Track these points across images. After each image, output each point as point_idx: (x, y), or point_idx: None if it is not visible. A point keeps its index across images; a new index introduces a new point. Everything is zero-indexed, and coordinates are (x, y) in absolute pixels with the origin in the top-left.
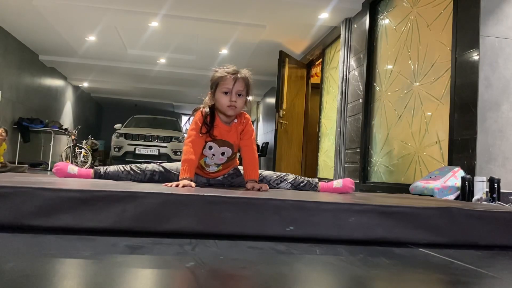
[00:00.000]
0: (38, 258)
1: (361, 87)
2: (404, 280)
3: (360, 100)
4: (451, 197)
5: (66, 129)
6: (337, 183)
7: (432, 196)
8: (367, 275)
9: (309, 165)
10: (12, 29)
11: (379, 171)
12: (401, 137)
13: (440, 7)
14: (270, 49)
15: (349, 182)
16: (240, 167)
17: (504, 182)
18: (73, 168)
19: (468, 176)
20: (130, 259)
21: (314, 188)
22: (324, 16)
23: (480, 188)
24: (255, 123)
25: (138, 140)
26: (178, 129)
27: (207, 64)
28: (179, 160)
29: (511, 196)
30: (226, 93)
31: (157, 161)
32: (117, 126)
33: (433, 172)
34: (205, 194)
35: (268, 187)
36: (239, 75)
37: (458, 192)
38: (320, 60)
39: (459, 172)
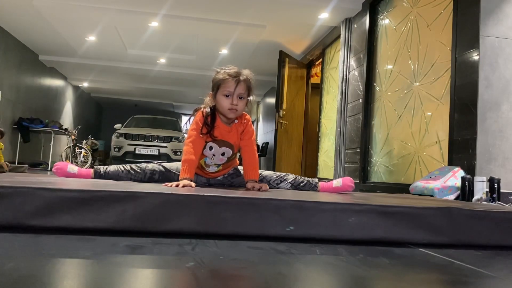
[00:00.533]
0: (38, 258)
1: (361, 87)
2: (404, 280)
3: (360, 100)
4: (451, 197)
5: (66, 129)
6: (337, 182)
7: (432, 196)
8: (367, 275)
9: (309, 165)
10: (12, 29)
11: (379, 171)
12: (401, 137)
13: (440, 7)
14: (270, 49)
15: (349, 180)
16: (240, 167)
17: (504, 182)
18: (73, 168)
19: (468, 176)
20: (130, 259)
21: (314, 188)
22: (324, 16)
23: (480, 188)
24: (255, 123)
25: (138, 140)
26: (178, 129)
27: (207, 64)
28: (179, 160)
29: (511, 196)
30: (227, 95)
31: (157, 161)
32: (117, 126)
33: (433, 172)
34: (205, 194)
35: (268, 187)
36: (241, 78)
37: (458, 192)
38: (320, 60)
39: (459, 172)
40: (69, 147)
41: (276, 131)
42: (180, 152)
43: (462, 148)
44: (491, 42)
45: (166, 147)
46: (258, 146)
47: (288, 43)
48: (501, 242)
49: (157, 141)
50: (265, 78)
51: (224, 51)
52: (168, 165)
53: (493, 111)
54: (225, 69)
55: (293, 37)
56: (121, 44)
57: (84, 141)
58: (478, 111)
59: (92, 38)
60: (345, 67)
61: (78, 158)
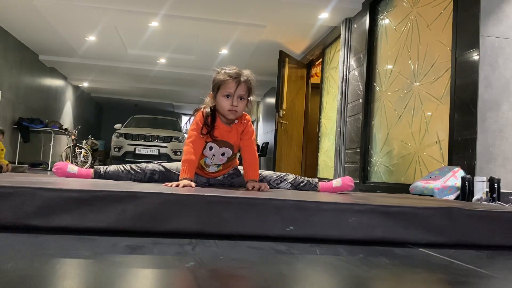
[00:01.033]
0: (38, 258)
1: (361, 87)
2: (404, 280)
3: (360, 100)
4: (451, 197)
5: (66, 129)
6: (337, 182)
7: (432, 196)
8: (367, 275)
9: (309, 165)
10: (12, 29)
11: (379, 171)
12: (401, 137)
13: (440, 7)
14: (270, 49)
15: (348, 180)
16: (240, 167)
17: (504, 182)
18: (73, 168)
19: (468, 176)
20: (130, 259)
21: (314, 188)
22: (324, 16)
23: (480, 188)
24: (255, 123)
25: (138, 140)
26: (178, 129)
27: (207, 64)
28: (179, 160)
29: (511, 196)
30: (227, 96)
31: (157, 161)
32: (117, 126)
33: (433, 172)
34: (205, 194)
35: (269, 187)
36: (241, 79)
37: (458, 192)
38: (320, 60)
39: (459, 172)
40: (69, 147)
41: (276, 131)
42: (180, 152)
43: (462, 148)
44: (491, 42)
45: (166, 147)
46: (258, 146)
47: (288, 43)
48: (501, 242)
49: (157, 141)
50: (265, 78)
51: (224, 51)
52: (168, 165)
53: (493, 111)
54: (225, 69)
55: (293, 37)
56: (121, 44)
57: (84, 141)
58: (478, 111)
59: (92, 38)
60: (345, 67)
61: (78, 158)
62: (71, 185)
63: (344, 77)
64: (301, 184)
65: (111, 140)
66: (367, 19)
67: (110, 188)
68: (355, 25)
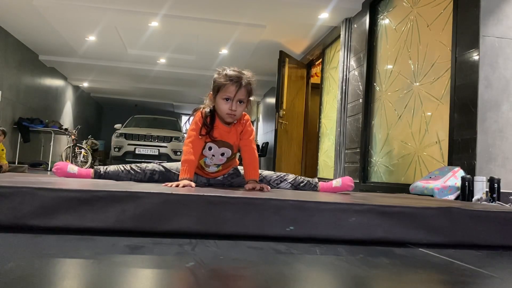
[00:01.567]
0: (38, 258)
1: (361, 87)
2: (404, 280)
3: (360, 100)
4: (451, 197)
5: (66, 129)
6: (336, 182)
7: (432, 196)
8: (367, 275)
9: (309, 165)
10: (12, 29)
11: (379, 171)
12: (401, 137)
13: (440, 7)
14: (270, 49)
15: (348, 180)
16: (240, 167)
17: (504, 182)
18: (73, 168)
19: (468, 176)
20: (130, 259)
21: (314, 188)
22: (324, 16)
23: (480, 188)
24: (255, 123)
25: (138, 140)
26: (178, 129)
27: (207, 64)
28: (179, 160)
29: (511, 196)
30: (227, 99)
31: (157, 161)
32: (117, 126)
33: (433, 172)
34: (205, 194)
35: (269, 188)
36: (242, 82)
37: (458, 192)
38: (320, 60)
39: (459, 172)
40: (69, 147)
41: (276, 131)
42: (180, 152)
43: (462, 148)
44: (491, 42)
45: (166, 147)
46: (258, 146)
47: (288, 43)
48: (501, 242)
49: (157, 141)
50: (265, 78)
51: (224, 51)
52: (168, 165)
53: (493, 111)
54: (226, 70)
55: (293, 37)
56: (121, 44)
57: (84, 141)
58: (478, 111)
59: (92, 38)
60: (345, 67)
61: (78, 158)
62: (71, 185)
63: (344, 77)
64: (301, 184)
65: (111, 140)
66: (367, 19)
67: (110, 188)
68: (355, 25)
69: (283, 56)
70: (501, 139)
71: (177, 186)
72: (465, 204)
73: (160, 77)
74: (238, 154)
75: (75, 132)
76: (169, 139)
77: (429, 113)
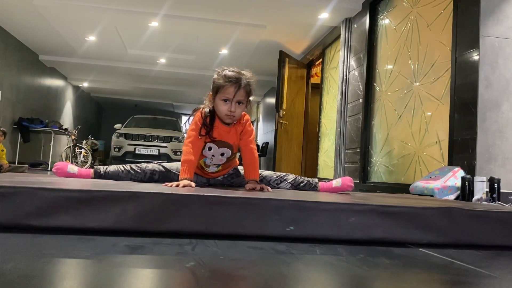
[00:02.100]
0: (38, 258)
1: (361, 87)
2: (404, 280)
3: (360, 100)
4: (451, 197)
5: (66, 129)
6: (336, 182)
7: (432, 196)
8: (367, 275)
9: (309, 165)
10: (12, 29)
11: (379, 171)
12: (401, 137)
13: (440, 7)
14: (270, 49)
15: (348, 180)
16: (240, 167)
17: (504, 182)
18: (73, 168)
19: (468, 176)
20: (130, 259)
21: (314, 188)
22: (324, 16)
23: (480, 188)
24: (255, 123)
25: (138, 140)
26: (178, 129)
27: (207, 64)
28: (179, 160)
29: (511, 196)
30: (226, 100)
31: (157, 161)
32: (117, 126)
33: (433, 172)
34: (205, 194)
35: (270, 188)
36: (241, 83)
37: (458, 192)
38: (320, 60)
39: (459, 172)
40: (69, 147)
41: (276, 131)
42: (180, 152)
43: (462, 148)
44: (491, 42)
45: (166, 147)
46: (258, 146)
47: (288, 43)
48: (501, 242)
49: (157, 141)
50: (265, 78)
51: (224, 51)
52: (168, 165)
53: (493, 111)
54: (226, 71)
55: (293, 37)
56: (121, 44)
57: (84, 141)
58: (478, 111)
59: (92, 38)
60: (345, 67)
61: (78, 158)
62: (71, 185)
63: (344, 77)
64: (301, 184)
65: (111, 140)
66: (367, 19)
67: (110, 188)
68: (355, 25)
69: (283, 56)
70: (501, 139)
71: (177, 186)
72: (465, 204)
73: (160, 77)
74: (238, 154)
75: (75, 132)
76: (169, 139)
77: (429, 113)
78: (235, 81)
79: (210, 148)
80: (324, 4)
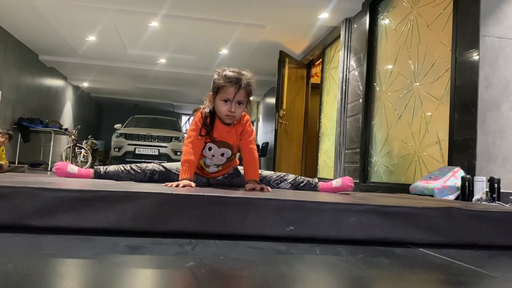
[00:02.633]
0: (38, 258)
1: (361, 87)
2: (404, 280)
3: (360, 100)
4: (451, 197)
5: (66, 129)
6: (336, 182)
7: (432, 196)
8: (367, 275)
9: (309, 165)
10: (12, 29)
11: (379, 171)
12: (401, 137)
13: (440, 7)
14: (270, 49)
15: (348, 180)
16: (240, 167)
17: (504, 182)
18: (73, 168)
19: (468, 176)
20: (130, 259)
21: (314, 188)
22: (324, 16)
23: (480, 188)
24: (255, 123)
25: (138, 140)
26: (178, 129)
27: (207, 64)
28: (179, 160)
29: (511, 196)
30: (226, 100)
31: (157, 161)
32: (117, 126)
33: (433, 172)
34: (205, 194)
35: (270, 188)
36: (241, 84)
37: (458, 192)
38: (320, 60)
39: (459, 172)
40: (69, 147)
41: (276, 131)
42: (180, 152)
43: (462, 148)
44: (491, 42)
45: (166, 147)
46: (258, 146)
47: (288, 43)
48: (501, 242)
49: (157, 141)
50: (265, 78)
51: (224, 51)
52: (168, 165)
53: (493, 111)
54: (226, 71)
55: (293, 37)
56: (121, 44)
57: (84, 141)
58: (478, 111)
59: (92, 38)
60: (345, 67)
61: (78, 158)
62: (71, 185)
63: (344, 77)
64: (301, 184)
65: (111, 140)
66: (367, 19)
67: (110, 188)
68: (355, 25)
69: (283, 56)
70: (501, 139)
71: (177, 186)
72: (465, 204)
73: (160, 77)
74: (238, 154)
75: (75, 132)
76: (169, 139)
77: (429, 113)
78: (235, 81)
79: (210, 148)
80: (324, 4)
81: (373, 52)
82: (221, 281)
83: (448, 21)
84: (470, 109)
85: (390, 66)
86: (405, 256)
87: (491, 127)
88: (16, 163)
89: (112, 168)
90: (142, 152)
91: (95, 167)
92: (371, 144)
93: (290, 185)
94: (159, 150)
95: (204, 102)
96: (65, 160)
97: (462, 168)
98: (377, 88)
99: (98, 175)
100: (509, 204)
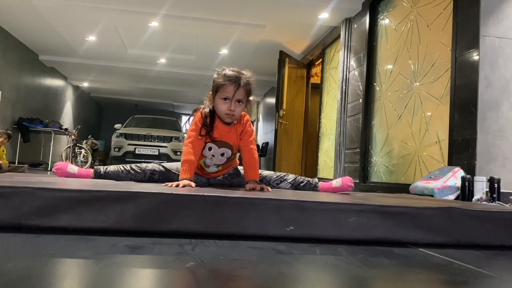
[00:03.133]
0: (38, 258)
1: (361, 87)
2: (404, 280)
3: (360, 100)
4: (451, 197)
5: (66, 129)
6: (336, 182)
7: (432, 196)
8: (367, 275)
9: (309, 165)
10: (12, 29)
11: (379, 171)
12: (401, 137)
13: (440, 7)
14: (270, 49)
15: (348, 180)
16: (240, 167)
17: (504, 182)
18: (73, 168)
19: (468, 176)
20: (130, 259)
21: (314, 188)
22: (324, 16)
23: (480, 188)
24: (255, 123)
25: (138, 140)
26: (178, 129)
27: (207, 64)
28: (179, 160)
29: (511, 196)
30: (225, 99)
31: (157, 161)
32: (117, 126)
33: (433, 172)
34: (205, 194)
35: (270, 188)
36: (241, 82)
37: (458, 192)
38: (320, 60)
39: (459, 172)
40: (69, 147)
41: (276, 131)
42: (180, 152)
43: (462, 148)
44: (491, 42)
45: (166, 147)
46: (258, 146)
47: (288, 43)
48: (501, 242)
49: (157, 141)
50: (265, 78)
51: (224, 51)
52: (168, 165)
53: (493, 111)
54: (226, 70)
55: (293, 37)
56: (121, 44)
57: (84, 141)
58: (478, 111)
59: (92, 38)
60: (345, 67)
61: (78, 158)
62: (71, 185)
63: (344, 77)
64: (301, 184)
65: (111, 140)
66: (367, 19)
67: (110, 188)
68: (355, 25)
69: (283, 56)
70: (501, 139)
71: (177, 186)
72: (465, 204)
73: (160, 77)
74: (238, 154)
75: (75, 132)
76: (169, 139)
77: (429, 113)
78: (235, 80)
79: (210, 148)
80: (324, 4)
81: (373, 52)
82: (221, 281)
83: (448, 21)
84: (470, 109)
85: (390, 66)
86: (405, 256)
87: (491, 127)
88: (16, 163)
89: (112, 168)
90: (142, 152)
91: (95, 167)
92: (371, 144)
93: (290, 185)
94: (159, 150)
95: (204, 102)
96: (65, 160)
97: (462, 168)
98: (377, 88)
99: (98, 175)
100: (509, 204)
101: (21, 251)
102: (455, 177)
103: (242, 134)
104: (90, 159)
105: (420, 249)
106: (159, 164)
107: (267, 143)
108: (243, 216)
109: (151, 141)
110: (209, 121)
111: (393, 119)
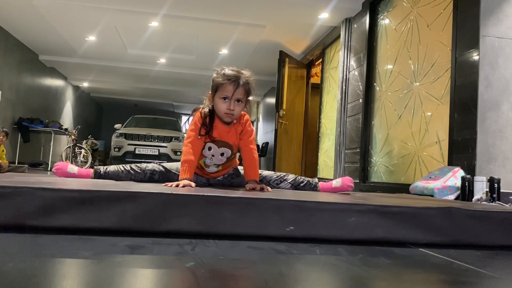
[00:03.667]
0: (38, 258)
1: (361, 87)
2: (404, 280)
3: (360, 100)
4: (451, 197)
5: (66, 129)
6: (336, 182)
7: (432, 196)
8: (367, 275)
9: (309, 165)
10: (12, 29)
11: (379, 171)
12: (401, 137)
13: (440, 7)
14: (270, 49)
15: (348, 180)
16: (240, 167)
17: (504, 182)
18: (73, 168)
19: (468, 176)
20: (130, 259)
21: (314, 188)
22: (324, 16)
23: (480, 188)
24: (255, 123)
25: (138, 140)
26: (178, 129)
27: (207, 64)
28: (179, 160)
29: (511, 196)
30: (225, 98)
31: (157, 161)
32: (117, 126)
33: (433, 172)
34: (205, 194)
35: (270, 188)
36: (240, 82)
37: (458, 192)
38: (320, 60)
39: (459, 172)
40: (69, 147)
41: (276, 131)
42: (180, 152)
43: (462, 148)
44: (491, 42)
45: (166, 147)
46: (258, 146)
47: (288, 43)
48: (501, 242)
49: (157, 141)
50: (265, 78)
51: (224, 51)
52: (168, 165)
53: (493, 111)
54: (225, 70)
55: (293, 37)
56: (121, 44)
57: (84, 141)
58: (478, 111)
59: (92, 38)
60: (345, 67)
61: (78, 158)
62: (71, 185)
63: (344, 77)
64: (301, 184)
65: (111, 140)
66: (367, 19)
67: (110, 188)
68: (355, 25)
69: (283, 56)
70: (501, 139)
71: (177, 186)
72: (465, 204)
73: (160, 77)
74: (238, 154)
75: (75, 132)
76: (169, 139)
77: (429, 113)
78: (234, 79)
79: (210, 148)
80: (324, 4)
81: (373, 52)
82: (221, 281)
83: (448, 21)
84: (470, 109)
85: (390, 66)
86: (405, 256)
87: (491, 127)
88: (16, 163)
89: (112, 168)
90: (142, 152)
91: (95, 167)
92: (371, 144)
93: (290, 185)
94: (159, 150)
95: (204, 102)
96: (65, 160)
97: (462, 168)
98: (377, 88)
99: (98, 175)
100: (509, 204)
101: (21, 251)
102: (455, 177)
103: (242, 133)
104: (90, 159)
105: (420, 249)
106: (159, 164)
107: (267, 143)
108: (243, 216)
109: (151, 141)
110: (209, 121)
111: (393, 119)
